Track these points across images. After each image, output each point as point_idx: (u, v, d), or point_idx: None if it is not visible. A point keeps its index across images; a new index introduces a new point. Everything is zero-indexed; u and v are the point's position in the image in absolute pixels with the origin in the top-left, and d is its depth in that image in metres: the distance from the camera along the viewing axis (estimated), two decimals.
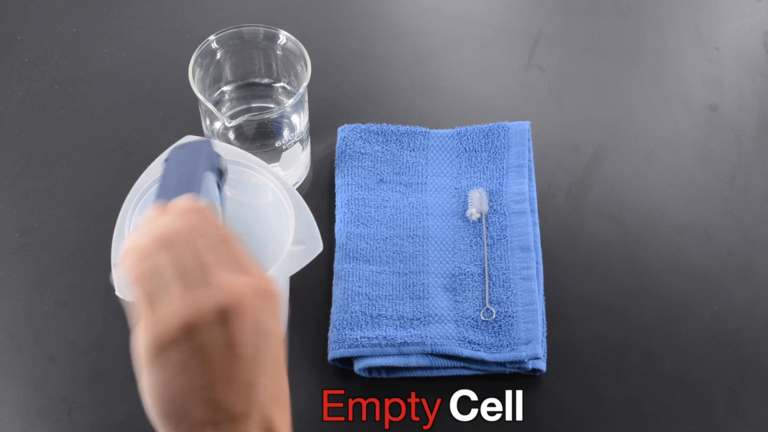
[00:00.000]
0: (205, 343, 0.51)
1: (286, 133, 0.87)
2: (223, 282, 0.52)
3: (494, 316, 0.80)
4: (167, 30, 1.03)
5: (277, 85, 0.89)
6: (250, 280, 0.53)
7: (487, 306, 0.81)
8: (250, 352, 0.52)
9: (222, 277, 0.52)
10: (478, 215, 0.86)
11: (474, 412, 0.78)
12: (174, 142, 0.74)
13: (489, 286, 0.82)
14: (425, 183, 0.90)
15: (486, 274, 0.83)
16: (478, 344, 0.79)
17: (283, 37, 0.85)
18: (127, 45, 1.02)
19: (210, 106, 0.80)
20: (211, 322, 0.51)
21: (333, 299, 0.82)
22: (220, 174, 0.65)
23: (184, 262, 0.52)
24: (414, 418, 0.78)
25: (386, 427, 0.78)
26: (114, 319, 0.82)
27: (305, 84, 0.82)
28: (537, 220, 0.87)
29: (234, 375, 0.52)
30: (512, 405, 0.79)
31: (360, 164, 0.90)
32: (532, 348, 0.78)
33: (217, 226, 0.55)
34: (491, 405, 0.79)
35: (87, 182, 0.91)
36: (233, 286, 0.52)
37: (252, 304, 0.52)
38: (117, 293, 0.68)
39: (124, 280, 0.57)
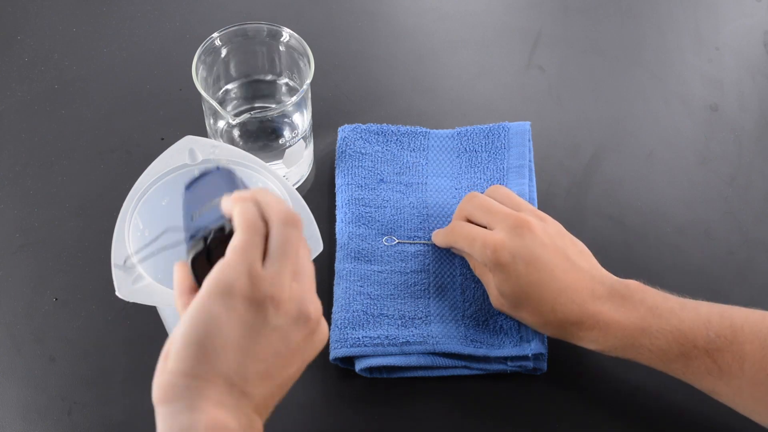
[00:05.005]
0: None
1: (289, 130, 0.87)
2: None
3: (396, 242, 0.84)
4: (167, 30, 1.03)
5: (280, 82, 0.89)
6: (206, 287, 0.57)
7: (392, 236, 0.84)
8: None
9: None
10: None
11: (474, 412, 0.78)
12: (174, 142, 0.74)
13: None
14: (425, 183, 0.90)
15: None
16: (481, 342, 0.79)
17: (287, 34, 0.86)
18: (127, 45, 1.02)
19: (214, 104, 0.80)
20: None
21: (334, 299, 0.82)
22: None
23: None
24: (415, 418, 0.78)
25: (387, 427, 0.78)
26: (114, 319, 0.82)
27: (308, 81, 0.82)
28: None
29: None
30: (512, 405, 0.79)
31: (360, 164, 0.90)
32: (536, 345, 0.78)
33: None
34: (492, 404, 0.79)
35: (87, 182, 0.91)
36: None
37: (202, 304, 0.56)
38: (117, 293, 0.68)
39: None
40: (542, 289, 0.73)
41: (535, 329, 0.77)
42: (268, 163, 0.76)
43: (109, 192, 0.88)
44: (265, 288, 0.56)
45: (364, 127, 0.92)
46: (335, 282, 0.83)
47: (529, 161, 0.90)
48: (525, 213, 0.77)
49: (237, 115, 0.86)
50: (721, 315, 0.70)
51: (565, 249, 0.75)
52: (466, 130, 0.92)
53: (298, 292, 0.58)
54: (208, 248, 0.59)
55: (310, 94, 0.86)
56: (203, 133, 0.89)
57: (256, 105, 0.90)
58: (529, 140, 0.91)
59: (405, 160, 0.91)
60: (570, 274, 0.74)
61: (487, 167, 0.89)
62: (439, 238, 0.82)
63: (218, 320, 0.55)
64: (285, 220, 0.58)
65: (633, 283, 0.74)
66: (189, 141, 0.74)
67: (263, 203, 0.59)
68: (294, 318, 0.57)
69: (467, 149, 0.91)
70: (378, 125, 0.92)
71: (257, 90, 0.90)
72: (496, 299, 0.77)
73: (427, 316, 0.81)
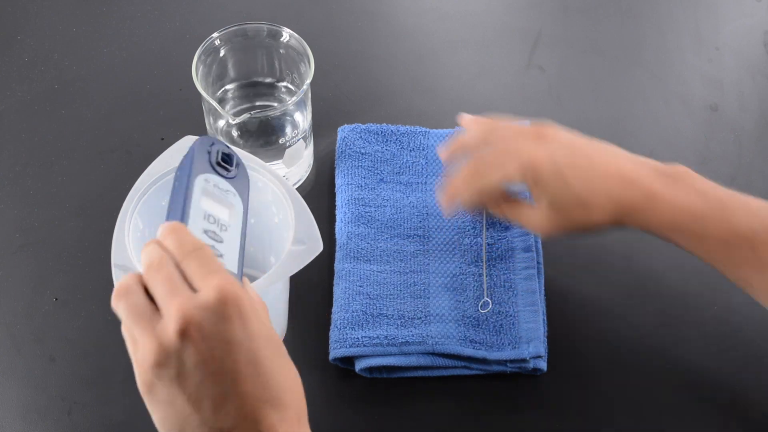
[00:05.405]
0: (177, 374, 0.54)
1: (289, 130, 0.87)
2: (173, 310, 0.53)
3: (491, 307, 0.81)
4: (167, 30, 1.03)
5: (280, 84, 0.89)
6: (200, 298, 0.53)
7: (485, 298, 0.81)
8: (217, 367, 0.53)
9: (172, 304, 0.53)
10: None
11: (474, 412, 0.78)
12: (174, 142, 0.74)
13: (490, 287, 0.82)
14: (425, 183, 0.90)
15: (484, 271, 0.83)
16: (480, 343, 0.79)
17: (287, 34, 0.86)
18: (127, 45, 1.02)
19: (214, 103, 0.80)
20: (171, 353, 0.53)
21: (334, 299, 0.82)
22: (225, 160, 0.65)
23: (138, 304, 0.55)
24: (415, 418, 0.78)
25: (387, 427, 0.78)
26: (114, 319, 0.81)
27: (308, 81, 0.82)
28: None
29: (211, 393, 0.54)
30: (512, 405, 0.79)
31: (360, 164, 0.90)
32: (534, 346, 0.78)
33: (182, 243, 0.56)
34: (492, 404, 0.79)
35: (87, 182, 0.91)
36: (183, 310, 0.53)
37: (206, 321, 0.53)
38: None
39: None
40: (592, 183, 0.72)
41: (597, 228, 0.73)
42: (268, 163, 0.76)
43: (109, 192, 0.88)
44: (158, 357, 0.53)
45: (363, 127, 0.92)
46: (335, 282, 0.83)
47: None
48: (531, 127, 0.75)
49: (237, 114, 0.87)
50: None
51: (588, 143, 0.74)
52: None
53: (174, 317, 0.53)
54: None
55: (310, 94, 0.86)
56: (203, 133, 0.89)
57: (256, 105, 0.90)
58: None
59: (404, 160, 0.91)
60: (608, 159, 0.72)
61: None
62: (459, 187, 0.76)
63: (166, 411, 0.54)
64: (147, 267, 0.56)
65: (680, 167, 0.72)
66: (189, 141, 0.74)
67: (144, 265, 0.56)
68: (186, 339, 0.53)
69: None
70: (378, 125, 0.92)
71: (257, 90, 0.90)
72: (550, 220, 0.73)
73: (426, 316, 0.81)
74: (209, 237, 0.61)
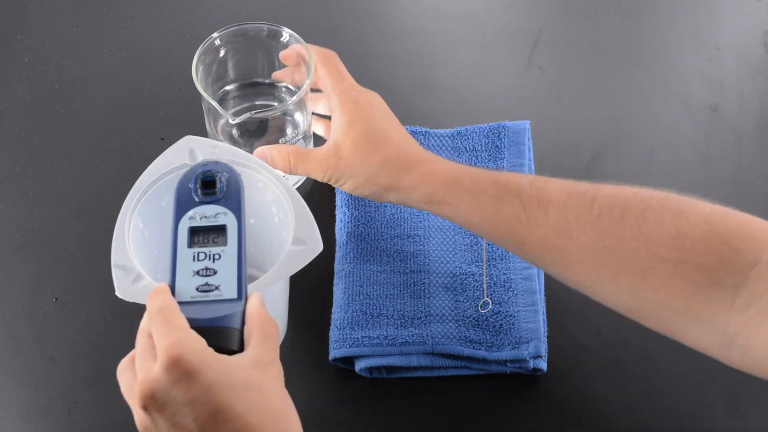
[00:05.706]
0: None
1: (289, 130, 0.87)
2: (136, 387, 0.56)
3: (491, 307, 0.81)
4: (167, 30, 1.03)
5: (280, 84, 0.89)
6: (153, 369, 0.55)
7: (485, 298, 0.81)
8: (184, 430, 0.55)
9: (138, 381, 0.56)
10: None
11: (475, 411, 0.78)
12: (174, 143, 0.74)
13: (490, 287, 0.82)
14: None
15: (484, 271, 0.83)
16: (480, 343, 0.79)
17: (287, 34, 0.86)
18: (127, 45, 1.02)
19: (214, 103, 0.80)
20: (149, 427, 0.56)
21: (334, 299, 0.82)
22: (208, 185, 0.67)
23: (127, 382, 0.60)
24: (414, 418, 0.78)
25: (387, 427, 0.78)
26: (114, 319, 0.82)
27: (308, 81, 0.82)
28: None
29: None
30: (512, 405, 0.79)
31: None
32: (534, 346, 0.78)
33: (150, 311, 0.59)
34: (492, 404, 0.79)
35: (87, 182, 0.91)
36: (140, 385, 0.56)
37: (159, 391, 0.55)
38: (117, 293, 0.68)
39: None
40: (390, 127, 0.78)
41: (369, 176, 0.77)
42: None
43: (109, 192, 0.88)
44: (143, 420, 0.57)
45: None
46: (335, 282, 0.83)
47: (529, 160, 0.90)
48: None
49: (237, 114, 0.87)
50: (539, 176, 0.74)
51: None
52: (466, 129, 0.92)
53: (143, 385, 0.56)
54: None
55: (310, 94, 0.86)
56: (203, 133, 0.89)
57: (256, 105, 0.90)
58: (528, 139, 0.91)
59: None
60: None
61: (487, 166, 0.89)
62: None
63: None
64: (141, 331, 0.60)
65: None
66: (189, 141, 0.74)
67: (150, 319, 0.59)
68: (150, 413, 0.56)
69: (467, 148, 0.91)
70: None
71: (257, 90, 0.90)
72: (340, 143, 0.78)
73: (426, 317, 0.81)
74: (201, 276, 0.62)
